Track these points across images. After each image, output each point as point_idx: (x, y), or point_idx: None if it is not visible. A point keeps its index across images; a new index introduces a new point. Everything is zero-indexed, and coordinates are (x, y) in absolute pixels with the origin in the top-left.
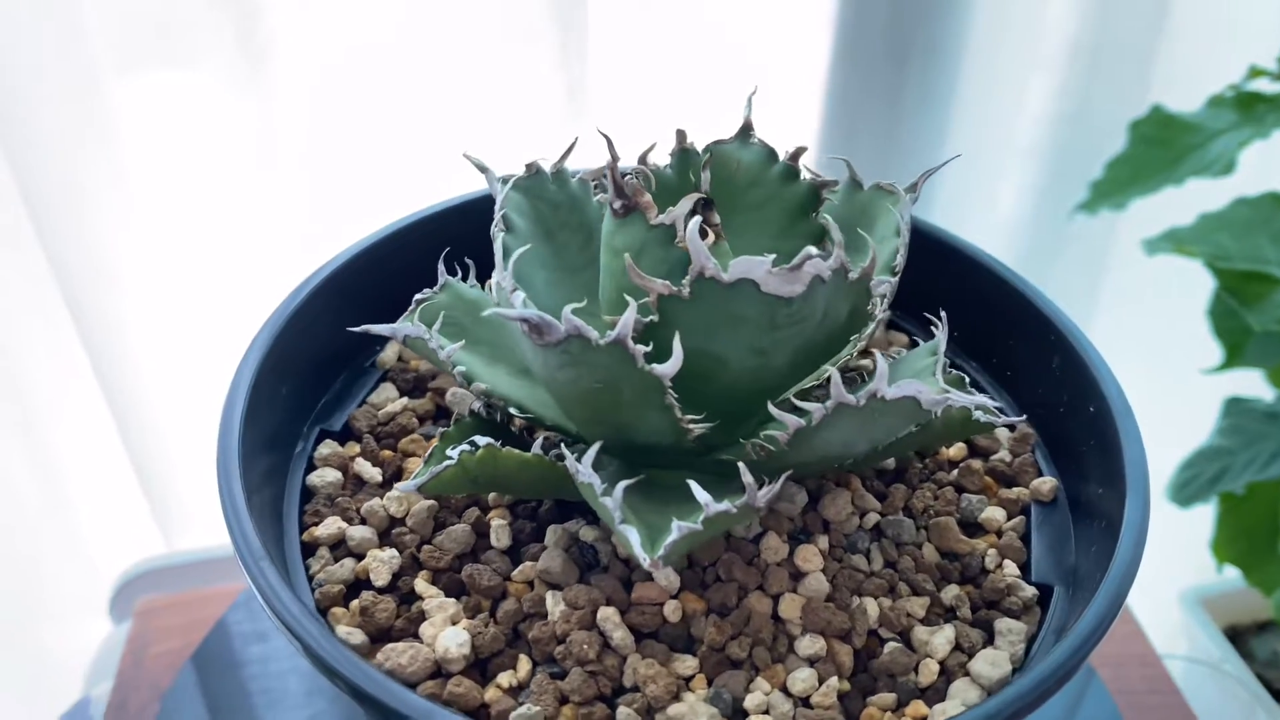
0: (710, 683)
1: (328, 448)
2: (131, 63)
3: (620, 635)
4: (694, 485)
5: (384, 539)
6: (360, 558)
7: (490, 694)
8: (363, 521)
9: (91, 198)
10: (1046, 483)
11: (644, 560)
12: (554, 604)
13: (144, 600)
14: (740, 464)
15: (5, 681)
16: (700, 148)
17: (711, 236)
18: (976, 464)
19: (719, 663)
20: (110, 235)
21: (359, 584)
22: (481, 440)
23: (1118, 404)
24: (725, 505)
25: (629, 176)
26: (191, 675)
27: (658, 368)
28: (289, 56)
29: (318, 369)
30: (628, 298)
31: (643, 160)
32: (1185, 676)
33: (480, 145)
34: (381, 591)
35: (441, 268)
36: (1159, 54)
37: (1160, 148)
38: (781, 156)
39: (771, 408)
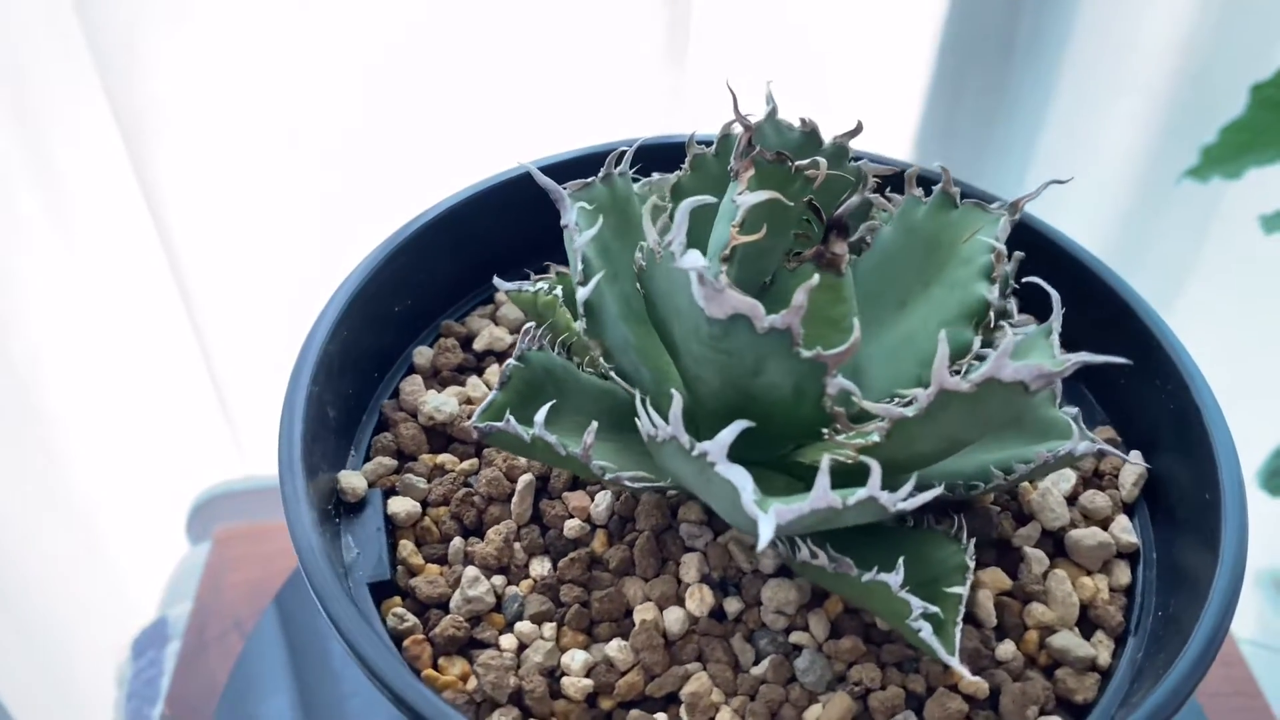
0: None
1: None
2: None
3: (518, 503)
4: (542, 411)
5: (514, 331)
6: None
7: (423, 457)
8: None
9: (179, 116)
10: None
11: (473, 418)
12: None
13: (222, 528)
14: (593, 423)
15: (82, 594)
16: (963, 200)
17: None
18: (957, 705)
19: (549, 588)
20: (203, 159)
21: (468, 341)
22: (559, 290)
23: None
24: (525, 431)
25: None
26: (275, 616)
27: (580, 290)
28: None
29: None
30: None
31: (910, 175)
32: (1254, 658)
33: (581, 84)
34: (467, 351)
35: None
36: None
37: None
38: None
39: (639, 407)
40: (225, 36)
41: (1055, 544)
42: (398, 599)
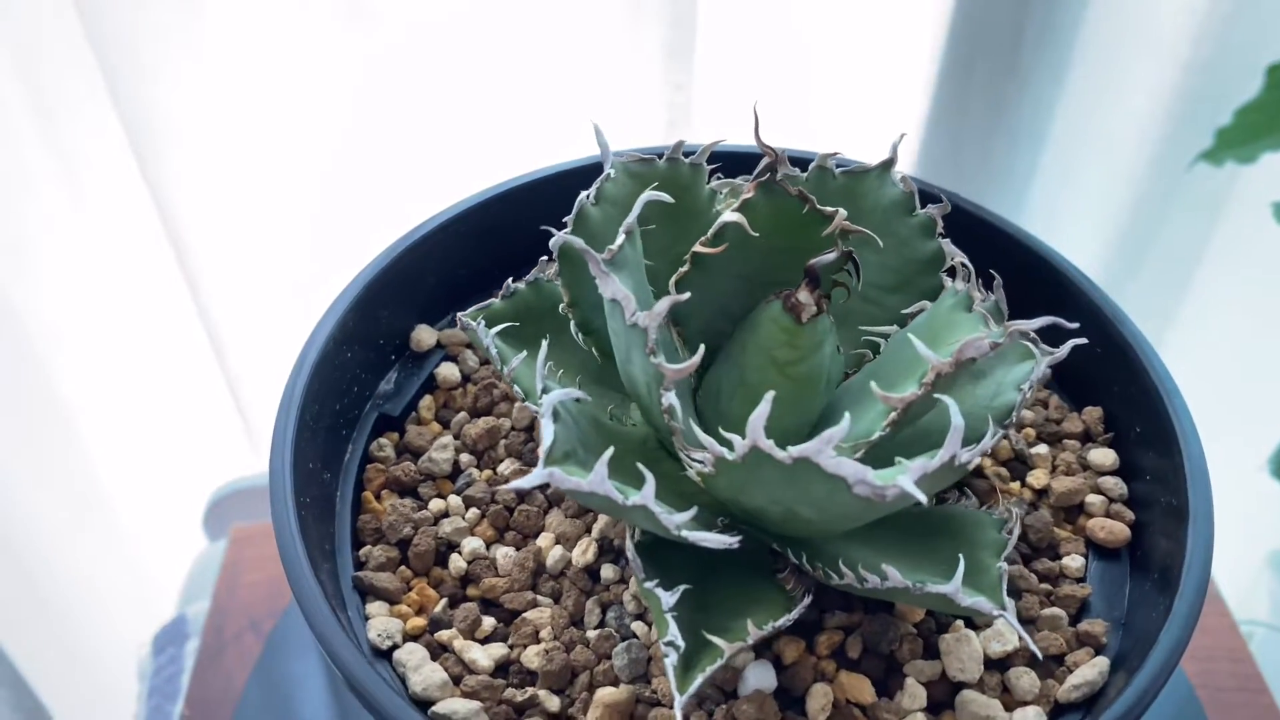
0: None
1: None
2: None
3: (519, 408)
4: (499, 326)
5: None
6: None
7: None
8: None
9: (193, 122)
10: None
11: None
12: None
13: (239, 527)
14: (523, 351)
15: (105, 588)
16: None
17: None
18: None
19: (496, 484)
20: (214, 157)
21: None
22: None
23: None
24: (485, 334)
25: None
26: (297, 616)
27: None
28: None
29: None
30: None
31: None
32: (1265, 643)
33: (588, 75)
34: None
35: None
36: None
37: None
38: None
39: (538, 357)
40: (231, 33)
41: (953, 693)
42: (395, 435)
